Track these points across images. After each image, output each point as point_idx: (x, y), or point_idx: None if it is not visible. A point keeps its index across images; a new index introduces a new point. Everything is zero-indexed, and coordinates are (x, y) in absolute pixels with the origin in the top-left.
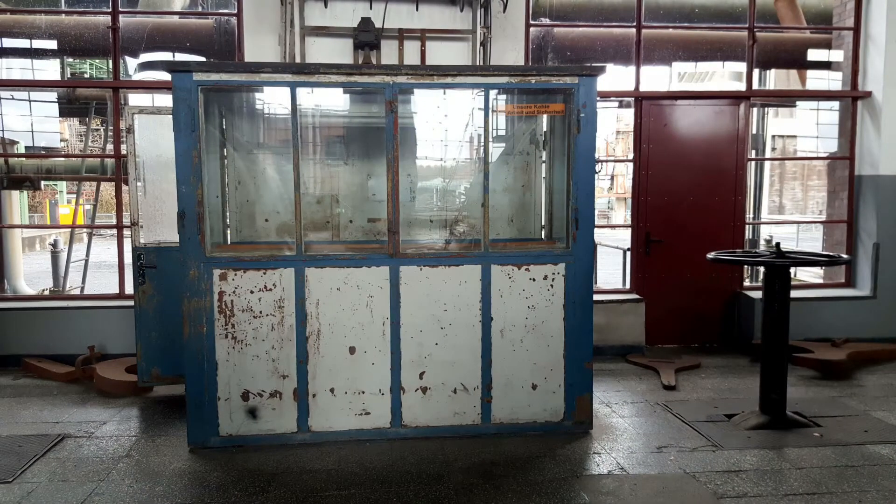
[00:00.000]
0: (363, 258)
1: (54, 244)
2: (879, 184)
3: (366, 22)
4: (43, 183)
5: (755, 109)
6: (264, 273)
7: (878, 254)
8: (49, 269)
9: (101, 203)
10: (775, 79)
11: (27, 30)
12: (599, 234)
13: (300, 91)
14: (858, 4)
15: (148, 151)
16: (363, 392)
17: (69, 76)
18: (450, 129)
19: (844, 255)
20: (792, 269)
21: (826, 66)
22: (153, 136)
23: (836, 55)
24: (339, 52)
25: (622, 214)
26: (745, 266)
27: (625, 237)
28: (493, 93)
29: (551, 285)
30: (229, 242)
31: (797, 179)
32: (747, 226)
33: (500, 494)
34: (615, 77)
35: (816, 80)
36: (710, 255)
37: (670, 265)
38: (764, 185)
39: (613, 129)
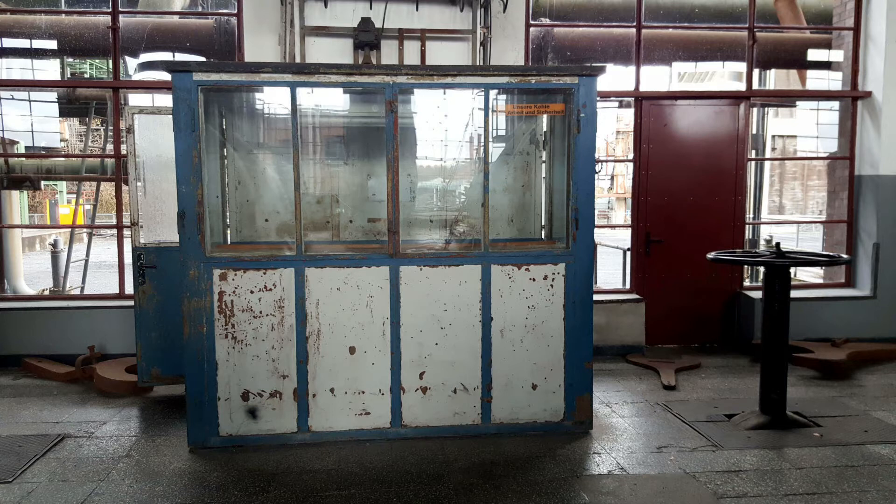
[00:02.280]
0: (363, 258)
1: (54, 244)
2: (879, 184)
3: (366, 22)
4: (43, 183)
5: (755, 109)
6: (264, 273)
7: (878, 254)
8: (49, 269)
9: (101, 203)
10: (775, 79)
11: (27, 30)
12: (599, 234)
13: (300, 91)
14: (858, 4)
15: (148, 151)
16: (363, 392)
17: (69, 76)
18: (450, 129)
19: (844, 255)
20: (792, 269)
21: (826, 66)
22: (153, 136)
23: (836, 55)
24: (339, 52)
25: (622, 214)
26: (745, 266)
27: (625, 237)
28: (493, 93)
29: (551, 285)
30: (229, 242)
31: (797, 179)
32: (747, 226)
33: (500, 494)
34: (615, 77)
35: (816, 80)
36: (710, 255)
37: (670, 265)
38: (764, 185)
39: (613, 129)
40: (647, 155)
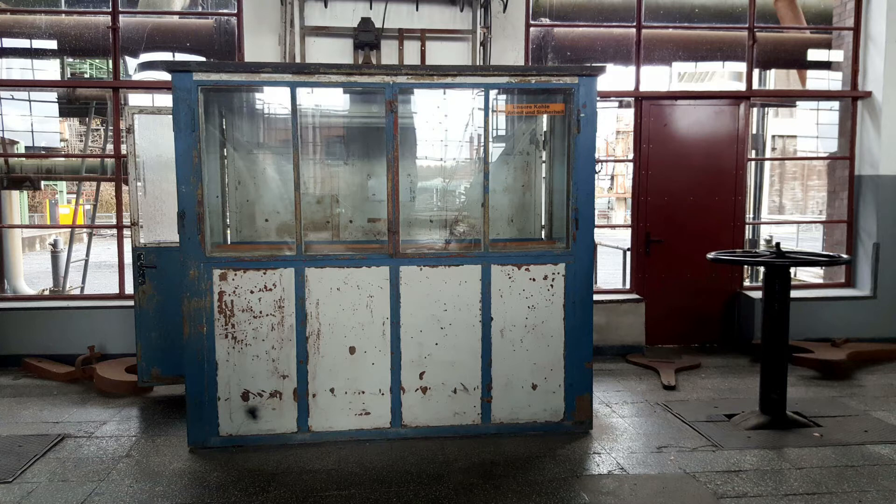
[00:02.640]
0: (363, 258)
1: (54, 244)
2: (879, 184)
3: (366, 22)
4: (43, 183)
5: (755, 109)
6: (264, 273)
7: (878, 254)
8: (49, 269)
9: (101, 203)
10: (775, 79)
11: (27, 30)
12: (599, 234)
13: (300, 91)
14: (858, 4)
15: (148, 151)
16: (363, 392)
17: (69, 76)
18: (450, 129)
19: (844, 255)
20: (792, 269)
21: (826, 66)
22: (153, 136)
23: (836, 55)
24: (339, 52)
25: (622, 214)
26: (745, 266)
27: (625, 237)
28: (493, 93)
29: (551, 285)
30: (229, 242)
31: (797, 179)
32: (747, 226)
33: (500, 494)
34: (615, 77)
35: (816, 80)
36: (710, 255)
37: (670, 265)
38: (764, 185)
39: (613, 129)
40: (647, 155)
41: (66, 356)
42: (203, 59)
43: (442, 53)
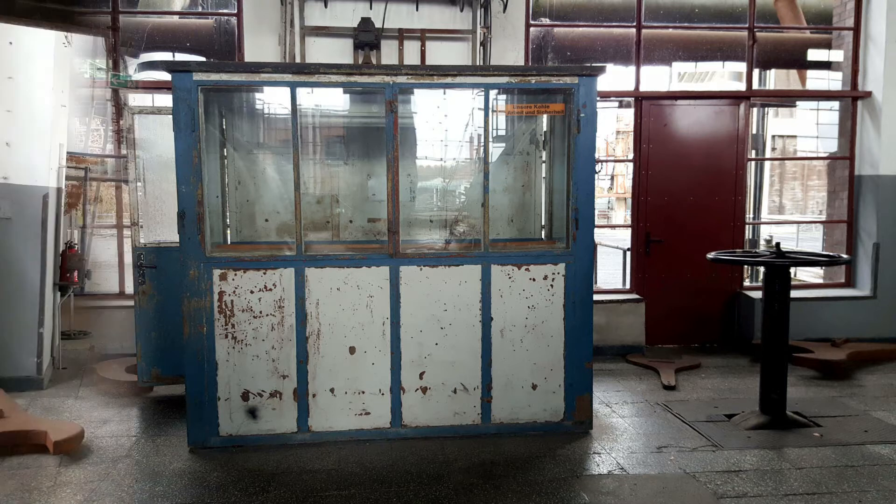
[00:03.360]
0: (363, 258)
1: None
2: (879, 184)
3: (366, 22)
4: None
5: (755, 109)
6: (264, 273)
7: (878, 254)
8: None
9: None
10: (775, 79)
11: None
12: (599, 234)
13: (300, 91)
14: (858, 4)
15: (148, 151)
16: (363, 392)
17: None
18: (450, 129)
19: (844, 255)
20: (792, 269)
21: (826, 66)
22: (153, 136)
23: (836, 55)
24: (339, 52)
25: (622, 214)
26: (745, 266)
27: (625, 237)
28: (493, 93)
29: (551, 285)
30: (229, 242)
31: (797, 179)
32: (747, 226)
33: (500, 494)
34: (615, 77)
35: (816, 80)
36: (710, 255)
37: (670, 265)
38: (764, 185)
39: (613, 129)
40: (647, 155)
41: None
42: (203, 59)
43: (442, 53)
